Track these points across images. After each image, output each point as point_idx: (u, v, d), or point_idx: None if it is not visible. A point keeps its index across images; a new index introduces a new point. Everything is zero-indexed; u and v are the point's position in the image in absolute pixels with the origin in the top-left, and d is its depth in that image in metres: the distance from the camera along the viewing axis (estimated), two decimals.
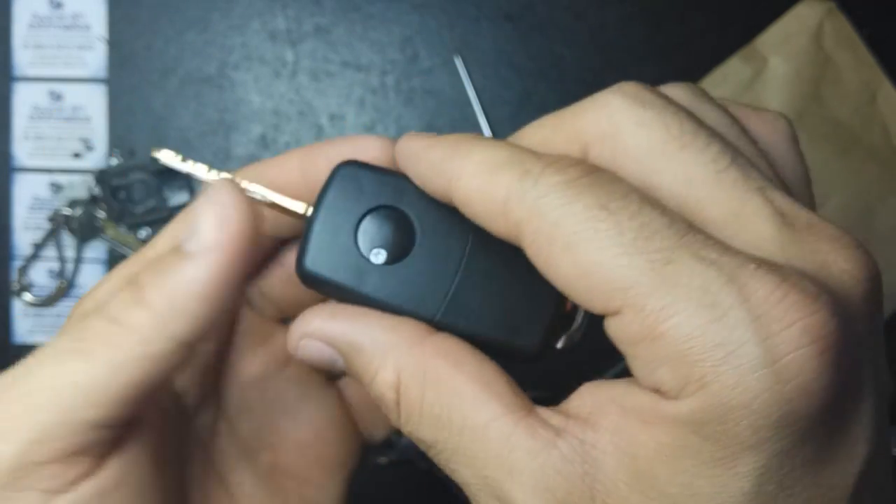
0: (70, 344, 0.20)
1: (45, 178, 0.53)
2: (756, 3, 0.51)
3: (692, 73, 0.51)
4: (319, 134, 0.53)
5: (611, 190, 0.18)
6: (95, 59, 0.53)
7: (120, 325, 0.20)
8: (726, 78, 0.50)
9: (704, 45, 0.51)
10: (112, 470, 0.20)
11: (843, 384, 0.17)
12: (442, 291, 0.22)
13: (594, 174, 0.18)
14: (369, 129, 0.52)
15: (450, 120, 0.52)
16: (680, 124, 0.18)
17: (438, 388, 0.20)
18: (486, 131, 0.51)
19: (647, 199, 0.18)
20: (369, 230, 0.22)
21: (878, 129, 0.50)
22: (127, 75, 0.53)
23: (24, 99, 0.53)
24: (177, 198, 0.52)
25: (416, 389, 0.20)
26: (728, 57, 0.50)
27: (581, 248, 0.17)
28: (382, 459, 0.51)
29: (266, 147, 0.53)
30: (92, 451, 0.20)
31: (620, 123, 0.19)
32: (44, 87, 0.54)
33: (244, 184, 0.22)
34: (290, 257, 0.25)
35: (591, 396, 0.20)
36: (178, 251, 0.20)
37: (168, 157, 0.23)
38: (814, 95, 0.50)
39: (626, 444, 0.18)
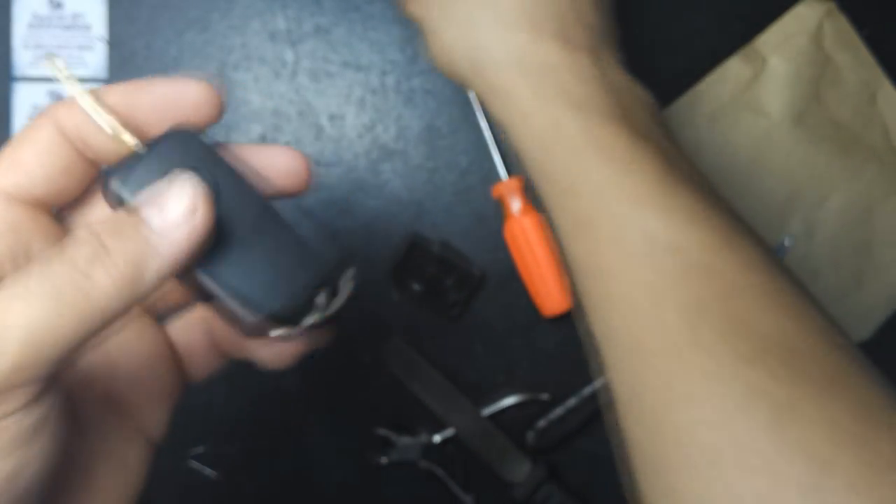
0: (42, 289, 0.21)
1: None
2: (756, 3, 0.51)
3: (692, 73, 0.51)
4: (319, 134, 0.53)
5: None
6: (95, 59, 0.53)
7: (90, 281, 0.22)
8: (726, 78, 0.50)
9: (704, 45, 0.51)
10: (44, 406, 0.22)
11: None
12: (217, 249, 0.25)
13: None
14: (369, 129, 0.52)
15: (449, 120, 0.52)
16: None
17: None
18: (486, 132, 0.51)
19: None
20: None
21: (878, 129, 0.50)
22: (127, 75, 0.53)
23: (24, 99, 0.53)
24: None
25: None
26: (728, 57, 0.50)
27: None
28: (383, 459, 0.51)
29: None
30: (37, 386, 0.22)
31: None
32: (44, 87, 0.53)
33: (99, 111, 0.25)
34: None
35: None
36: (141, 222, 0.23)
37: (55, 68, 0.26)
38: (814, 95, 0.50)
39: None
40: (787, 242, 0.50)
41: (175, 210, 0.23)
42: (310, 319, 0.27)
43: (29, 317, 0.21)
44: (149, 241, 0.23)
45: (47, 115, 0.25)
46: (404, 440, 0.51)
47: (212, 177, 0.25)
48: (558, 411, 0.51)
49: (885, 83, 0.50)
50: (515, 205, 0.50)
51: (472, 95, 0.51)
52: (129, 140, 0.25)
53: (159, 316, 0.30)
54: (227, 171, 0.26)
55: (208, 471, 0.51)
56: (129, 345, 0.28)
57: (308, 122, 0.53)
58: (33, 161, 0.25)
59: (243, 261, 0.26)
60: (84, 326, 0.22)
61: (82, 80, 0.53)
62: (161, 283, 0.23)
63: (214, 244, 0.25)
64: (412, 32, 0.52)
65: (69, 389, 0.26)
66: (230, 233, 0.25)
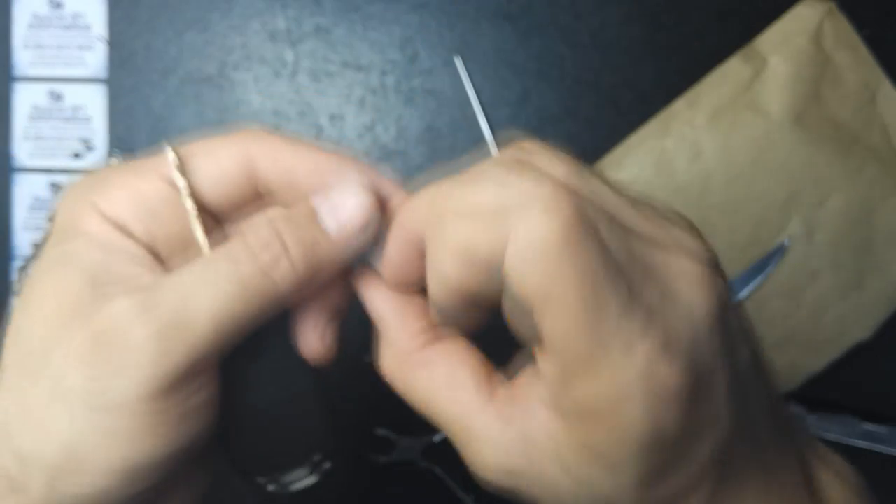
0: (230, 281, 0.24)
1: (45, 179, 0.53)
2: (756, 3, 0.51)
3: (692, 73, 0.51)
4: (319, 134, 0.53)
5: None
6: (95, 59, 0.53)
7: (272, 282, 0.24)
8: (726, 78, 0.50)
9: (704, 45, 0.51)
10: (212, 385, 0.25)
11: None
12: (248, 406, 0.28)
13: None
14: (369, 129, 0.52)
15: (450, 120, 0.52)
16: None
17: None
18: (487, 131, 0.51)
19: None
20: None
21: (878, 129, 0.50)
22: (127, 75, 0.53)
23: (24, 99, 0.53)
24: None
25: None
26: (728, 57, 0.50)
27: None
28: (382, 459, 0.51)
29: None
30: (216, 366, 0.25)
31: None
32: (44, 87, 0.53)
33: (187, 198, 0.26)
34: None
35: (527, 388, 0.26)
36: (316, 221, 0.25)
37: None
38: (814, 95, 0.50)
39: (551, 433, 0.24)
40: (786, 242, 0.50)
41: (353, 222, 0.25)
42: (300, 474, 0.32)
43: (219, 303, 0.24)
44: (326, 251, 0.25)
45: (237, 140, 0.27)
46: (404, 440, 0.51)
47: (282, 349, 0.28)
48: None
49: (885, 83, 0.50)
50: None
51: (470, 93, 0.51)
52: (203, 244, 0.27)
53: None
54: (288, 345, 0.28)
55: None
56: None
57: (308, 122, 0.53)
58: (210, 168, 0.27)
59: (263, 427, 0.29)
60: (259, 317, 0.24)
61: (82, 79, 0.53)
62: (325, 284, 0.26)
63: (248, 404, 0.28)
64: (412, 32, 0.52)
65: None
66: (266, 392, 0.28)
